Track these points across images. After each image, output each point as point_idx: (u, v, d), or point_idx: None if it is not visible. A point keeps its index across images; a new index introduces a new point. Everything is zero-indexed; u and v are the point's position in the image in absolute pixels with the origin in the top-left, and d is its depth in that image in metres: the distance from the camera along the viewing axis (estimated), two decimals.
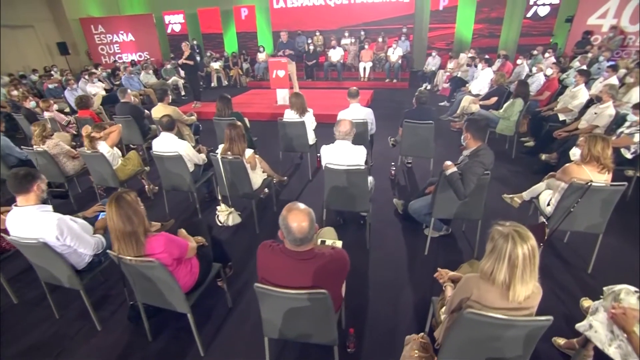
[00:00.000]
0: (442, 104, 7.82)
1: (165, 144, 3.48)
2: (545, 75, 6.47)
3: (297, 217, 1.55)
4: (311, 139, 4.50)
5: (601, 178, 2.61)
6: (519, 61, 7.77)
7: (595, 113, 4.49)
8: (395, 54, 10.02)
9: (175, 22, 12.75)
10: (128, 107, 5.06)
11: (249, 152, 3.26)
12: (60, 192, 4.03)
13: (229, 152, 3.21)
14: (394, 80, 10.17)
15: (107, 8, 13.23)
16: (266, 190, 4.07)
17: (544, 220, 2.87)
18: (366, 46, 10.41)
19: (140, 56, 12.65)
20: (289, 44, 7.80)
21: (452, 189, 2.62)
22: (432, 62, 9.77)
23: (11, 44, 10.79)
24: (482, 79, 6.46)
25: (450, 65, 8.99)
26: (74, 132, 5.25)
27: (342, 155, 2.88)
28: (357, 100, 4.26)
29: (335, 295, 1.73)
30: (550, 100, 6.00)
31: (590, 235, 2.82)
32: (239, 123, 3.26)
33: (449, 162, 2.70)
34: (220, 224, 3.49)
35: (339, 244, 2.15)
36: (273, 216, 3.82)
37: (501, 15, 10.64)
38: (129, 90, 5.20)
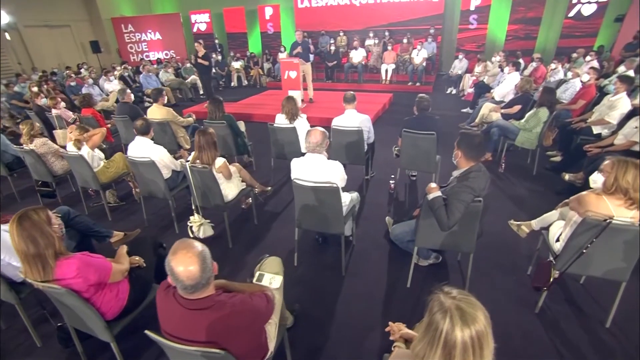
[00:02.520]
0: (464, 110, 7.22)
1: (140, 148, 3.31)
2: (582, 82, 5.71)
3: (183, 260, 1.25)
4: (304, 146, 4.15)
5: (627, 214, 2.08)
6: (552, 65, 7.00)
7: (636, 127, 3.82)
8: (419, 56, 9.44)
9: (201, 21, 12.88)
10: (127, 108, 4.99)
11: (220, 161, 3.00)
12: (47, 192, 3.99)
13: (198, 161, 2.97)
14: (417, 84, 9.59)
15: (139, 7, 13.62)
16: (249, 200, 3.82)
17: (552, 259, 2.37)
18: (389, 47, 9.91)
19: (166, 54, 12.90)
20: (304, 44, 7.49)
21: (434, 216, 2.20)
22: (459, 65, 9.10)
23: (49, 43, 11.37)
24: (506, 85, 5.82)
25: (478, 68, 8.30)
26: None
27: (313, 170, 2.53)
28: (353, 106, 3.88)
29: (246, 351, 1.41)
30: (585, 110, 5.28)
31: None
32: (211, 130, 3.01)
33: (433, 184, 2.28)
34: (192, 236, 3.25)
35: (278, 279, 1.81)
36: (253, 229, 3.56)
37: (539, 14, 9.75)
38: (127, 90, 5.15)
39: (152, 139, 3.43)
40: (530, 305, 2.47)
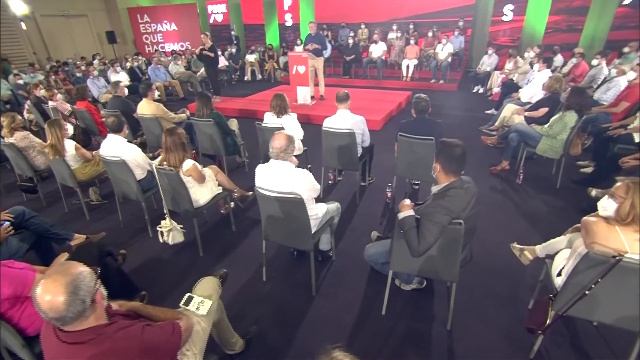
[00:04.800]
0: (488, 111, 6.79)
1: (112, 147, 3.27)
2: (628, 80, 5.18)
3: (48, 288, 1.12)
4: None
5: None
6: (594, 61, 6.42)
7: None
8: (444, 50, 9.02)
9: (217, 11, 13.01)
10: (118, 102, 5.03)
11: (188, 163, 2.89)
12: (28, 187, 4.06)
13: (165, 163, 2.88)
14: (441, 81, 9.18)
15: None
16: (231, 205, 3.72)
17: (552, 296, 2.08)
18: (412, 41, 9.53)
19: (182, 46, 13.13)
20: (317, 37, 7.32)
21: (404, 239, 1.98)
22: (488, 62, 8.61)
23: (66, 32, 11.87)
24: (535, 84, 5.38)
25: (509, 65, 7.80)
26: (74, 123, 5.38)
27: (278, 178, 2.37)
28: (346, 106, 3.67)
29: None
30: (628, 114, 4.78)
31: None
32: (181, 130, 2.91)
33: (407, 201, 2.07)
34: (161, 241, 3.18)
35: (206, 305, 1.67)
36: (229, 237, 3.45)
37: (587, 3, 9.01)
38: (120, 83, 5.19)
39: (126, 137, 3.38)
40: (525, 347, 2.18)
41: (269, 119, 3.96)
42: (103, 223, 3.80)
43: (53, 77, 8.12)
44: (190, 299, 1.70)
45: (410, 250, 1.94)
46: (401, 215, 1.99)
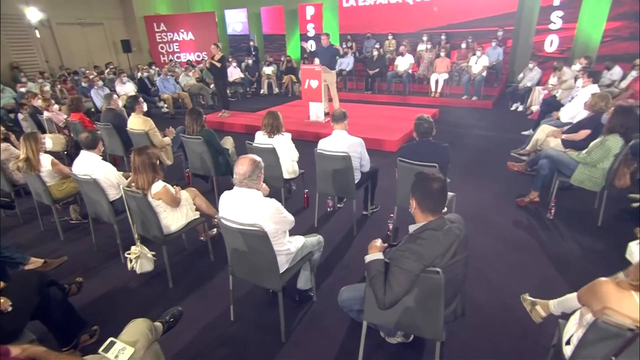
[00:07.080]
0: (525, 132, 6.50)
1: (85, 164, 3.35)
2: None
3: None
4: (288, 170, 3.97)
5: None
6: None
7: None
8: (478, 64, 8.82)
9: (237, 21, 13.50)
10: (111, 115, 5.23)
11: (158, 186, 2.90)
12: (4, 202, 4.23)
13: (133, 184, 2.91)
14: (474, 98, 8.95)
15: (177, 6, 14.71)
16: (214, 231, 3.72)
17: None
18: (442, 53, 9.41)
19: (198, 56, 13.68)
20: (329, 50, 7.37)
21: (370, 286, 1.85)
22: (529, 76, 8.32)
23: (81, 41, 12.71)
24: (577, 102, 5.08)
25: (553, 80, 7.49)
26: (67, 134, 5.64)
27: (242, 208, 2.30)
28: (343, 127, 3.60)
29: None
30: None
31: None
32: (152, 149, 2.95)
33: (377, 242, 1.94)
34: (129, 269, 3.18)
35: (127, 353, 1.60)
36: (205, 267, 3.41)
37: None
38: (114, 96, 5.40)
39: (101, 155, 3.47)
40: None
41: (260, 139, 3.95)
42: (77, 245, 3.87)
43: (59, 86, 8.64)
44: (112, 344, 1.64)
45: (376, 301, 1.79)
46: (368, 258, 1.86)
